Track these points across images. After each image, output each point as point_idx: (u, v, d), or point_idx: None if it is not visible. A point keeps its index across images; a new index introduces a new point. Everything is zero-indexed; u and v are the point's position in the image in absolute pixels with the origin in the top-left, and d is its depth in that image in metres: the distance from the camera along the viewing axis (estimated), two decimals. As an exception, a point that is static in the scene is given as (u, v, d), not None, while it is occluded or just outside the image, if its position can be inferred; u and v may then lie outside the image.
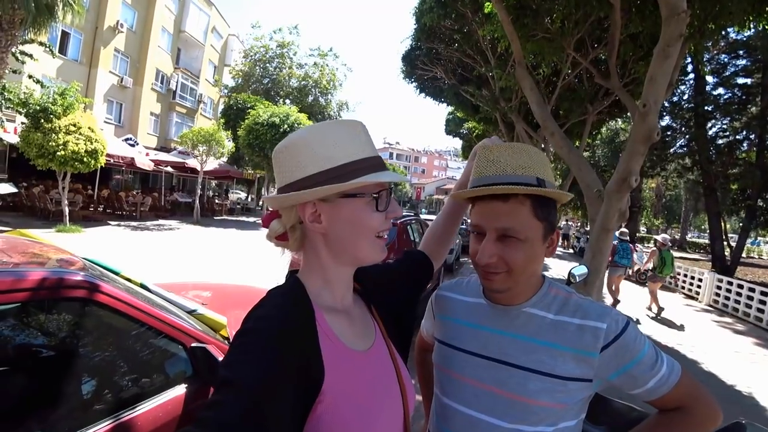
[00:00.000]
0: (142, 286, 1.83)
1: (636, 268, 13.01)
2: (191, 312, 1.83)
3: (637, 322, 2.75)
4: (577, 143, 9.37)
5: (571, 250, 20.40)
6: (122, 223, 13.90)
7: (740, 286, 9.16)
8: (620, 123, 20.67)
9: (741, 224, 15.97)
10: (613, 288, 7.80)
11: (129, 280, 1.83)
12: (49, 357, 1.29)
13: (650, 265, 8.50)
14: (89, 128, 10.51)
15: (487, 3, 5.42)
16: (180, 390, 1.46)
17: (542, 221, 0.80)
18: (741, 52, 14.47)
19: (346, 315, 0.71)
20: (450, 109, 16.98)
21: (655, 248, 8.60)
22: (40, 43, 11.21)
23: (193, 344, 1.52)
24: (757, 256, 35.84)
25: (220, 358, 1.47)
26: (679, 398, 0.80)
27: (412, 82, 12.02)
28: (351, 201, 0.66)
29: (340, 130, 0.67)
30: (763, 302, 8.29)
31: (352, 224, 0.66)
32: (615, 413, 1.51)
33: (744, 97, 15.05)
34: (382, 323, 0.79)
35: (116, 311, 1.35)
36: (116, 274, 1.83)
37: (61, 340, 1.32)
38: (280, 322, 0.58)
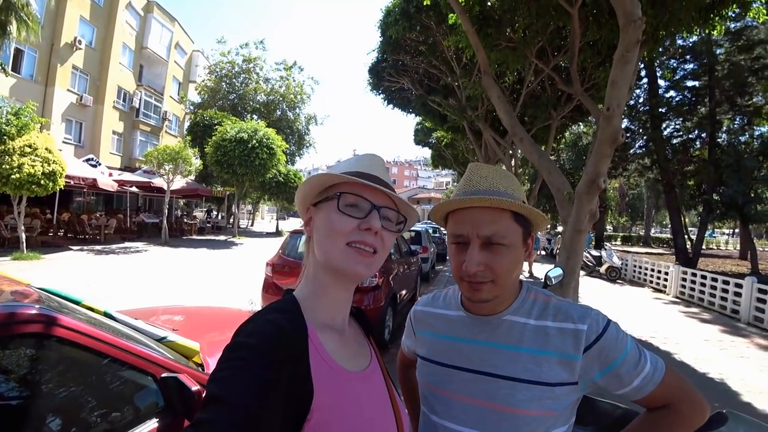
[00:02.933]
0: (106, 314, 1.72)
1: (606, 266, 13.45)
2: (161, 340, 1.72)
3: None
4: (543, 148, 9.65)
5: (543, 252, 20.85)
6: (85, 247, 13.26)
7: (704, 277, 9.60)
8: (582, 127, 21.50)
9: (699, 218, 16.84)
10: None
11: (91, 309, 1.71)
12: (2, 400, 1.17)
13: (558, 247, 11.96)
14: (46, 149, 10.01)
15: (451, 14, 5.54)
16: (152, 425, 1.36)
17: (522, 226, 0.82)
18: (688, 56, 15.42)
19: (339, 334, 0.69)
20: (418, 119, 17.24)
21: (559, 236, 13.16)
22: (-9, 62, 10.68)
23: (164, 374, 1.43)
24: (716, 247, 37.87)
25: (194, 388, 1.38)
26: (665, 395, 0.80)
27: (379, 94, 12.13)
28: (326, 204, 0.69)
29: (357, 157, 0.75)
30: (725, 291, 8.71)
31: (323, 226, 0.68)
32: (600, 413, 1.52)
33: (694, 99, 16.02)
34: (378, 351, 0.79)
35: (77, 345, 1.25)
36: (77, 303, 1.71)
37: (16, 381, 1.20)
38: (271, 337, 0.55)
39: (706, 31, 4.48)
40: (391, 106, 12.56)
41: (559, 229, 18.77)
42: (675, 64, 15.62)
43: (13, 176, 9.21)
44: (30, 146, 9.70)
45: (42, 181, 9.68)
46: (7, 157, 9.28)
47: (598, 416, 1.50)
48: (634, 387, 0.78)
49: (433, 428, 0.86)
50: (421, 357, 0.93)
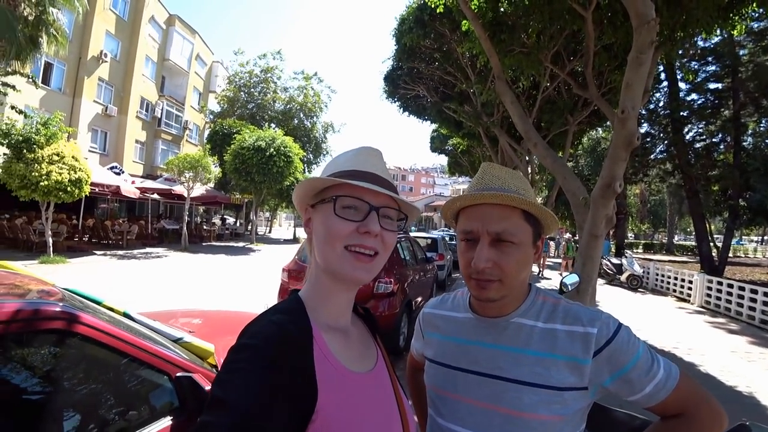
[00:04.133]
0: (125, 315, 1.77)
1: (627, 274, 13.13)
2: (177, 340, 1.77)
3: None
4: (560, 154, 9.53)
5: (560, 259, 20.44)
6: (108, 252, 13.64)
7: (730, 286, 9.26)
8: (601, 132, 21.16)
9: (725, 224, 16.29)
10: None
11: (111, 309, 1.77)
12: (26, 392, 1.23)
13: (563, 251, 15.22)
14: (73, 157, 10.41)
15: (464, 21, 5.55)
16: (166, 422, 1.39)
17: (531, 226, 0.81)
18: (710, 58, 15.03)
19: (343, 334, 0.69)
20: (434, 126, 17.24)
21: (564, 242, 15.72)
22: (23, 75, 11.17)
23: (179, 374, 1.47)
24: (743, 255, 36.49)
25: (207, 388, 1.41)
26: (679, 403, 0.77)
27: (395, 102, 12.19)
28: (324, 206, 0.66)
29: (354, 151, 0.72)
30: (753, 300, 8.37)
31: (321, 230, 0.66)
32: (617, 423, 1.47)
33: (716, 101, 15.56)
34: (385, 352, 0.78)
35: (97, 342, 1.29)
36: (98, 303, 1.77)
37: (39, 374, 1.26)
38: (275, 338, 0.56)
39: (726, 31, 4.38)
40: (406, 113, 12.61)
41: (566, 236, 18.47)
42: (696, 66, 15.24)
43: (41, 183, 9.59)
44: (58, 155, 10.10)
45: (69, 188, 10.07)
46: (36, 165, 9.68)
47: (614, 427, 1.46)
48: (646, 393, 0.76)
49: (440, 431, 0.85)
50: (428, 359, 0.93)
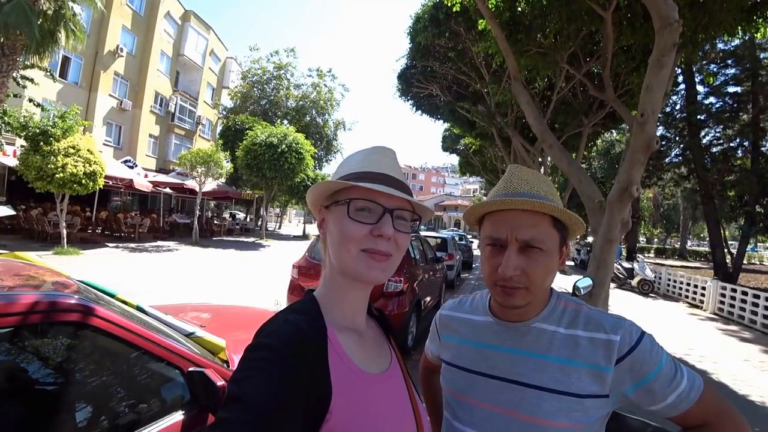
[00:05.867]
0: (138, 308, 1.78)
1: (638, 279, 12.96)
2: (189, 335, 1.78)
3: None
4: (574, 156, 9.42)
5: (571, 262, 20.31)
6: (120, 244, 13.84)
7: (745, 293, 9.09)
8: (615, 134, 20.87)
9: (740, 231, 15.98)
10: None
11: (125, 302, 1.78)
12: (40, 383, 1.24)
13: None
14: (88, 150, 10.57)
15: (481, 20, 5.50)
16: (177, 416, 1.40)
17: (559, 232, 0.80)
18: (729, 61, 14.73)
19: (358, 335, 0.69)
20: (446, 125, 17.17)
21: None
22: (41, 68, 11.36)
23: (191, 368, 1.47)
24: (758, 262, 35.78)
25: (219, 383, 1.42)
26: (702, 414, 0.75)
27: (407, 100, 12.16)
28: (338, 208, 0.66)
29: (366, 151, 0.72)
30: (768, 309, 8.20)
31: (336, 232, 0.66)
32: (628, 430, 1.45)
33: (735, 105, 15.24)
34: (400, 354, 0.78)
35: (111, 335, 1.30)
36: (112, 296, 1.78)
37: (53, 365, 1.27)
38: (291, 338, 0.56)
39: (750, 34, 4.28)
40: (419, 112, 12.57)
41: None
42: (715, 69, 14.94)
43: (57, 175, 9.76)
44: (73, 148, 10.27)
45: (83, 181, 10.24)
46: (52, 157, 9.85)
47: (626, 434, 1.43)
48: (668, 404, 0.75)
49: None
50: (445, 362, 0.92)
